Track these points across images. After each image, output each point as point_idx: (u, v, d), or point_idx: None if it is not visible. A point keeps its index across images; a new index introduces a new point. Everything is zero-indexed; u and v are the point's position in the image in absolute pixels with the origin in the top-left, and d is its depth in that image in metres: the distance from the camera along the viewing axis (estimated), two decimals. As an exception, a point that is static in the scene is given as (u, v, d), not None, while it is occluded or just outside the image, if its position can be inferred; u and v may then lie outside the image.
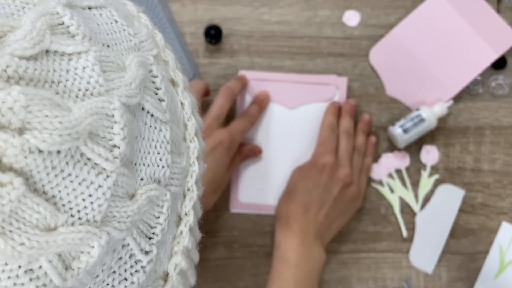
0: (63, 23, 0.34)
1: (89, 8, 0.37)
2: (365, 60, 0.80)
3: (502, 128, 0.79)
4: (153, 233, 0.36)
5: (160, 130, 0.37)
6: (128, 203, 0.34)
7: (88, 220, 0.31)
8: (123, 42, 0.37)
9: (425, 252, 0.77)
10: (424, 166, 0.78)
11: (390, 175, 0.78)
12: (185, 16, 0.80)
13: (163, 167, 0.36)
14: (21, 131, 0.29)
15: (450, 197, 0.78)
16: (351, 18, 0.81)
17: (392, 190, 0.78)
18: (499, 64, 0.79)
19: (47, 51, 0.32)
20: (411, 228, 0.78)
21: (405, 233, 0.77)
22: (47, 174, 0.30)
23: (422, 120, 0.75)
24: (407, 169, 0.78)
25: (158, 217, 0.37)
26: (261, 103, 0.78)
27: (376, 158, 0.78)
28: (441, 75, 0.79)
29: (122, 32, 0.38)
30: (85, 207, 0.31)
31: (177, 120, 0.40)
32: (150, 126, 0.36)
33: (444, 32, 0.79)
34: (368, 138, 0.78)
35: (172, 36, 0.80)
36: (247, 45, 0.80)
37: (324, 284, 0.77)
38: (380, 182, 0.78)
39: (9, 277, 0.30)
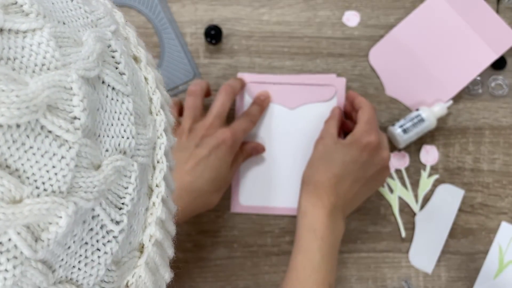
0: (16, 3, 0.34)
1: None
2: (364, 60, 0.80)
3: (502, 128, 0.79)
4: (122, 203, 0.37)
5: (123, 102, 0.37)
6: (93, 173, 0.34)
7: (53, 191, 0.32)
8: (79, 19, 0.38)
9: (425, 252, 0.77)
10: (423, 166, 0.79)
11: (390, 175, 0.78)
12: (185, 16, 0.80)
13: (127, 138, 0.37)
14: None
15: (450, 197, 0.78)
16: (351, 18, 0.81)
17: (391, 190, 0.78)
18: (498, 65, 0.79)
19: (1, 30, 0.32)
20: (411, 228, 0.78)
21: (403, 233, 0.77)
22: (8, 148, 0.30)
23: (421, 120, 0.75)
24: (407, 169, 0.79)
25: (127, 187, 0.37)
26: (262, 103, 0.78)
27: (375, 158, 0.79)
28: (441, 76, 0.79)
29: (78, 9, 0.38)
30: (49, 178, 0.32)
31: (141, 93, 0.41)
32: (112, 99, 0.37)
33: (443, 32, 0.79)
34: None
35: (172, 36, 0.80)
36: (247, 45, 0.80)
37: (324, 284, 0.78)
38: (380, 182, 0.78)
39: None
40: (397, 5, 0.81)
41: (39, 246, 0.32)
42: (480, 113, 0.79)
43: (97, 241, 0.36)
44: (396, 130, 0.75)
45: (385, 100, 0.80)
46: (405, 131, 0.75)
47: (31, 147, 0.31)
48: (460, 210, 0.78)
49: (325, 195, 0.71)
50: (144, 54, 0.43)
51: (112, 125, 0.36)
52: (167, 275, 0.43)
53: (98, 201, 0.35)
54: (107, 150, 0.36)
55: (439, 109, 0.77)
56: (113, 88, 0.37)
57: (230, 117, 0.78)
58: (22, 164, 0.31)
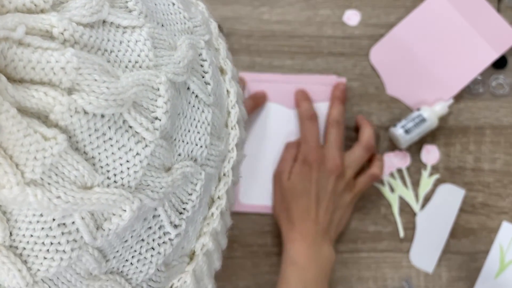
0: None
1: None
2: (365, 59, 0.80)
3: (503, 127, 0.79)
4: (184, 209, 0.37)
5: (203, 111, 0.38)
6: (163, 174, 0.35)
7: (123, 185, 0.33)
8: (177, 23, 0.38)
9: (426, 251, 0.77)
10: (424, 166, 0.78)
11: (391, 175, 0.78)
12: (185, 15, 0.80)
13: (201, 146, 0.38)
14: (70, 91, 0.30)
15: (451, 197, 0.78)
16: (352, 17, 0.81)
17: (392, 190, 0.78)
18: (499, 64, 0.79)
19: (104, 22, 0.33)
20: (411, 227, 0.77)
21: (402, 233, 0.77)
22: (89, 135, 0.31)
23: (423, 120, 0.75)
24: (408, 168, 0.78)
25: (191, 194, 0.38)
26: (257, 100, 0.78)
27: (376, 158, 0.78)
28: (442, 75, 0.79)
29: (177, 14, 0.39)
30: (121, 171, 0.33)
31: (221, 105, 0.41)
32: (193, 106, 0.37)
33: (444, 31, 0.79)
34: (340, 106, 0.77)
35: (172, 35, 0.80)
36: (247, 44, 0.80)
37: (325, 284, 0.77)
38: (381, 181, 0.78)
39: (42, 228, 0.32)
40: (398, 4, 0.81)
41: (99, 234, 0.33)
42: (481, 112, 0.79)
43: (153, 240, 0.37)
44: (398, 131, 0.75)
45: (386, 99, 0.79)
46: (407, 131, 0.75)
47: (110, 139, 0.32)
48: (461, 209, 0.78)
49: (299, 226, 0.72)
50: (230, 67, 0.43)
51: (189, 131, 0.37)
52: (210, 286, 0.45)
53: (162, 202, 0.35)
54: (179, 155, 0.36)
55: (440, 108, 0.77)
56: (197, 96, 0.38)
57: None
58: (99, 153, 0.32)
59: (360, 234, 0.78)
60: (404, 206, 0.78)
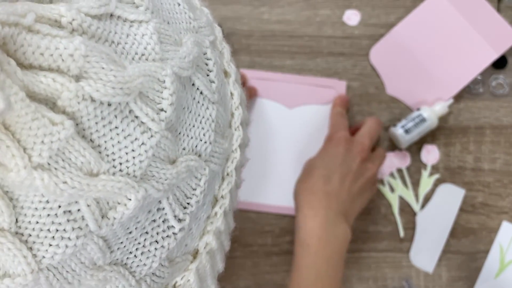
0: None
1: None
2: (365, 59, 0.80)
3: (503, 127, 0.79)
4: (188, 203, 0.38)
5: (207, 108, 0.38)
6: (168, 166, 0.35)
7: (128, 173, 0.33)
8: (182, 22, 0.39)
9: (426, 251, 0.77)
10: (424, 166, 0.78)
11: (391, 174, 0.78)
12: (185, 15, 0.80)
13: (205, 142, 0.38)
14: (77, 78, 0.30)
15: (451, 197, 0.78)
16: (351, 17, 0.81)
17: (392, 190, 0.78)
18: (499, 64, 0.79)
19: (111, 15, 0.34)
20: (412, 227, 0.78)
21: (402, 233, 0.77)
22: (96, 123, 0.31)
23: (423, 120, 0.75)
24: (408, 168, 0.78)
25: (195, 189, 0.38)
26: (250, 91, 0.78)
27: (376, 158, 0.78)
28: (442, 75, 0.79)
29: (183, 14, 0.39)
30: (127, 160, 0.33)
31: (225, 105, 0.41)
32: (198, 102, 0.38)
33: (444, 31, 0.79)
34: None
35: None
36: (247, 44, 0.80)
37: (325, 284, 0.77)
38: (381, 181, 0.78)
39: (48, 215, 0.32)
40: (398, 4, 0.81)
41: (104, 223, 0.33)
42: (481, 112, 0.79)
43: (157, 233, 0.37)
44: (398, 130, 0.75)
45: (386, 99, 0.79)
46: (407, 131, 0.75)
47: (116, 127, 0.32)
48: (461, 209, 0.78)
49: (315, 200, 0.69)
50: (234, 70, 0.44)
51: (193, 126, 0.37)
52: (213, 287, 0.45)
53: (166, 194, 0.36)
54: (184, 149, 0.37)
55: (440, 108, 0.77)
56: (201, 92, 0.38)
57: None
58: (105, 142, 0.32)
59: (360, 234, 0.78)
60: (404, 206, 0.78)
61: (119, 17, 0.34)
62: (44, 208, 0.32)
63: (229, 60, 0.44)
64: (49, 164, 0.30)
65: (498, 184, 0.78)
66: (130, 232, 0.35)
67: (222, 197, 0.42)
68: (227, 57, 0.44)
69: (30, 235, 0.32)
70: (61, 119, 0.30)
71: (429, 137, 0.78)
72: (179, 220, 0.37)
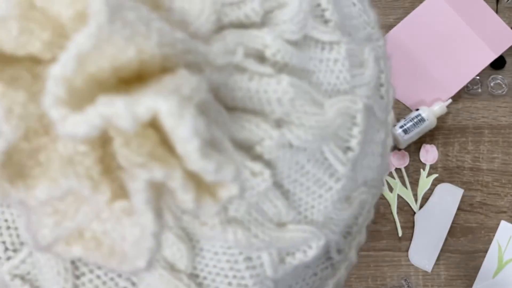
0: (319, 5, 0.31)
1: None
2: (364, 60, 0.80)
3: (501, 127, 0.79)
4: (348, 232, 0.35)
5: (378, 131, 0.35)
6: (345, 205, 0.32)
7: (312, 220, 0.30)
8: (360, 30, 0.34)
9: (424, 250, 0.77)
10: (423, 165, 0.79)
11: (390, 174, 0.78)
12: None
13: (372, 169, 0.35)
14: (279, 122, 0.28)
15: (449, 196, 0.78)
16: (351, 18, 0.81)
17: (391, 189, 0.78)
18: (497, 64, 0.79)
19: (306, 36, 0.30)
20: (410, 227, 0.78)
21: (400, 232, 0.77)
22: (289, 168, 0.29)
23: (422, 120, 0.76)
24: (406, 168, 0.79)
25: (357, 218, 0.36)
26: None
27: (375, 158, 0.79)
28: (440, 75, 0.79)
29: (359, 18, 0.34)
30: (312, 206, 0.30)
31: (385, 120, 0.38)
32: (373, 127, 0.34)
33: (442, 32, 0.80)
34: None
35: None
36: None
37: (324, 283, 0.78)
38: (380, 181, 0.78)
39: (228, 261, 0.30)
40: (396, 5, 0.81)
41: (281, 268, 0.31)
42: (480, 112, 0.79)
43: (320, 279, 0.34)
44: (397, 130, 0.76)
45: (385, 99, 0.80)
46: (405, 131, 0.75)
47: (307, 172, 0.29)
48: (460, 209, 0.78)
49: None
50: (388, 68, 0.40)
51: (366, 154, 0.33)
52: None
53: (342, 234, 0.33)
54: (357, 181, 0.33)
55: (439, 108, 0.77)
56: (375, 115, 0.34)
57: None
58: (295, 187, 0.29)
59: (360, 233, 0.78)
60: (403, 205, 0.78)
61: (312, 38, 0.30)
62: (224, 253, 0.30)
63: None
64: (243, 216, 0.28)
65: (497, 183, 0.78)
66: (303, 278, 0.33)
67: (368, 211, 0.39)
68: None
69: (205, 278, 0.30)
70: (260, 168, 0.27)
71: (428, 137, 0.78)
72: (339, 251, 0.35)
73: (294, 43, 0.29)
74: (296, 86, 0.28)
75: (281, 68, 0.28)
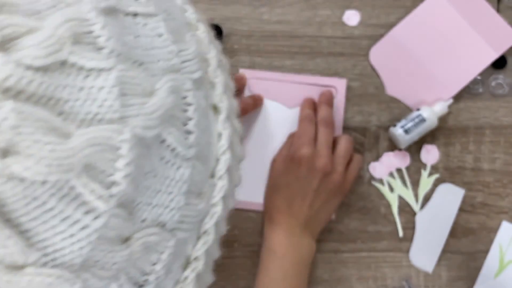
0: (91, 32, 0.29)
1: (135, 15, 0.33)
2: (365, 59, 0.80)
3: (502, 127, 0.79)
4: (145, 280, 0.32)
5: (179, 167, 0.32)
6: (118, 247, 0.30)
7: (63, 263, 0.28)
8: (160, 61, 0.33)
9: (425, 251, 0.77)
10: (424, 166, 0.78)
11: (391, 174, 0.78)
12: (185, 15, 0.80)
13: (172, 209, 0.32)
14: (4, 153, 0.26)
15: (450, 197, 0.78)
16: (351, 17, 0.81)
17: (392, 189, 0.78)
18: (499, 64, 0.79)
19: (63, 62, 0.28)
20: (411, 227, 0.78)
21: (401, 232, 0.77)
22: (26, 204, 0.26)
23: (423, 120, 0.75)
24: (407, 168, 0.78)
25: (155, 264, 0.33)
26: (256, 101, 0.78)
27: (377, 158, 0.79)
28: (441, 75, 0.79)
29: (163, 49, 0.33)
30: (62, 247, 0.28)
31: (206, 155, 0.36)
32: (167, 162, 0.32)
33: (444, 31, 0.79)
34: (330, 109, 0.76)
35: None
36: (247, 44, 0.80)
37: (324, 284, 0.77)
38: (381, 181, 0.78)
39: None
40: (398, 4, 0.81)
41: None
42: (481, 112, 0.79)
43: None
44: (398, 130, 0.75)
45: (386, 99, 0.80)
46: (406, 131, 0.75)
47: (51, 209, 0.27)
48: (461, 209, 0.78)
49: (281, 218, 0.73)
50: (226, 105, 0.37)
51: (158, 192, 0.31)
52: None
53: (116, 278, 0.30)
54: (143, 221, 0.31)
55: (440, 108, 0.77)
56: (173, 150, 0.32)
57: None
58: (36, 226, 0.27)
59: (360, 234, 0.78)
60: (404, 205, 0.78)
61: (73, 64, 0.28)
62: None
63: (222, 92, 0.37)
64: None
65: (498, 184, 0.78)
66: None
67: (195, 259, 0.36)
68: (220, 88, 0.37)
69: None
70: None
71: (429, 137, 0.78)
72: None
73: (39, 69, 0.27)
74: (23, 113, 0.26)
75: (14, 95, 0.26)
